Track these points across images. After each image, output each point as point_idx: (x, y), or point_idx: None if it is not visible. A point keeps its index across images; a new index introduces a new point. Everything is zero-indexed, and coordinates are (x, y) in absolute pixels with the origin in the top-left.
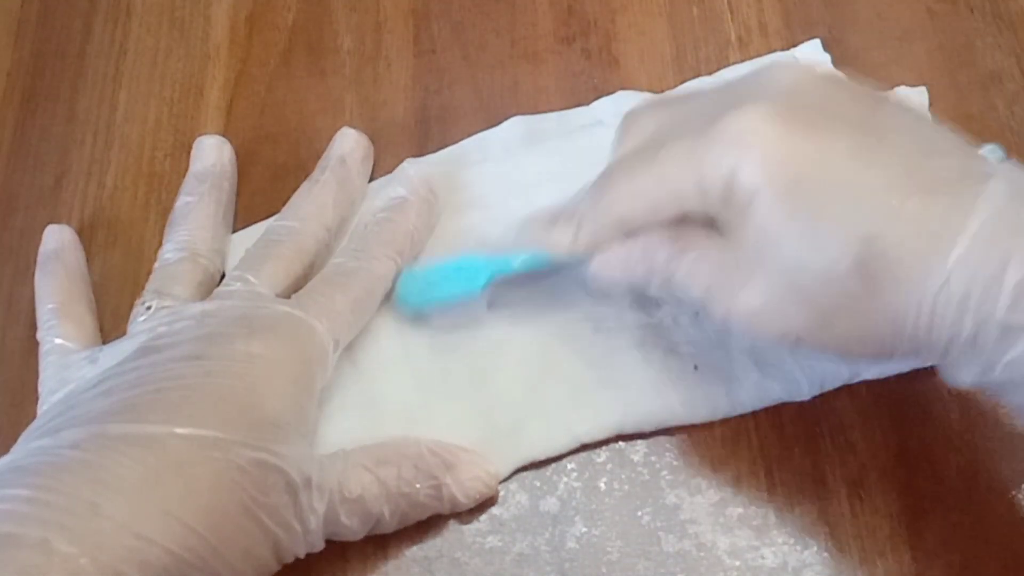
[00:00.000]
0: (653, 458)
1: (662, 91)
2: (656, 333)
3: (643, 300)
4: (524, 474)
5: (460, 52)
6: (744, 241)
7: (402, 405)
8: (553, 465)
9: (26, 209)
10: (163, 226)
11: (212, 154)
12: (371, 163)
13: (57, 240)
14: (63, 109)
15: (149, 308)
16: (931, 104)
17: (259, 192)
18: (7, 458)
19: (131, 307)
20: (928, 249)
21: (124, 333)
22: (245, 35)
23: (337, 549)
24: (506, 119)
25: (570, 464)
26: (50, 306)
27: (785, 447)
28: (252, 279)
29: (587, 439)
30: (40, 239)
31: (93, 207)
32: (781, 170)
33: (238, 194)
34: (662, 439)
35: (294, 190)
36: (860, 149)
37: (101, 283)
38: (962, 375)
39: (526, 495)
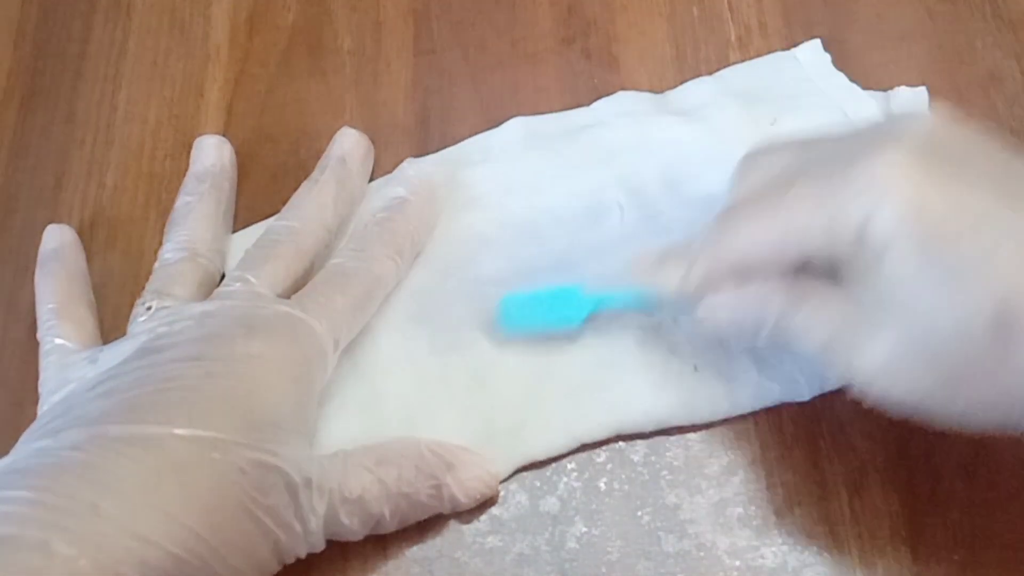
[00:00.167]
0: (653, 458)
1: (662, 91)
2: (656, 333)
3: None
4: (524, 474)
5: (460, 52)
6: (871, 292)
7: (402, 405)
8: (553, 465)
9: (26, 209)
10: (163, 226)
11: (212, 154)
12: (371, 163)
13: (57, 240)
14: (63, 109)
15: (149, 308)
16: (931, 104)
17: (259, 192)
18: (7, 459)
19: (131, 307)
20: None
21: (124, 333)
22: (245, 35)
23: (337, 549)
24: (506, 119)
25: (570, 464)
26: (50, 306)
27: (785, 447)
28: (252, 279)
29: (587, 439)
30: (40, 239)
31: (93, 207)
32: (919, 219)
33: (238, 194)
34: (662, 439)
35: (294, 190)
36: (999, 202)
37: (101, 283)
38: None
39: (526, 495)
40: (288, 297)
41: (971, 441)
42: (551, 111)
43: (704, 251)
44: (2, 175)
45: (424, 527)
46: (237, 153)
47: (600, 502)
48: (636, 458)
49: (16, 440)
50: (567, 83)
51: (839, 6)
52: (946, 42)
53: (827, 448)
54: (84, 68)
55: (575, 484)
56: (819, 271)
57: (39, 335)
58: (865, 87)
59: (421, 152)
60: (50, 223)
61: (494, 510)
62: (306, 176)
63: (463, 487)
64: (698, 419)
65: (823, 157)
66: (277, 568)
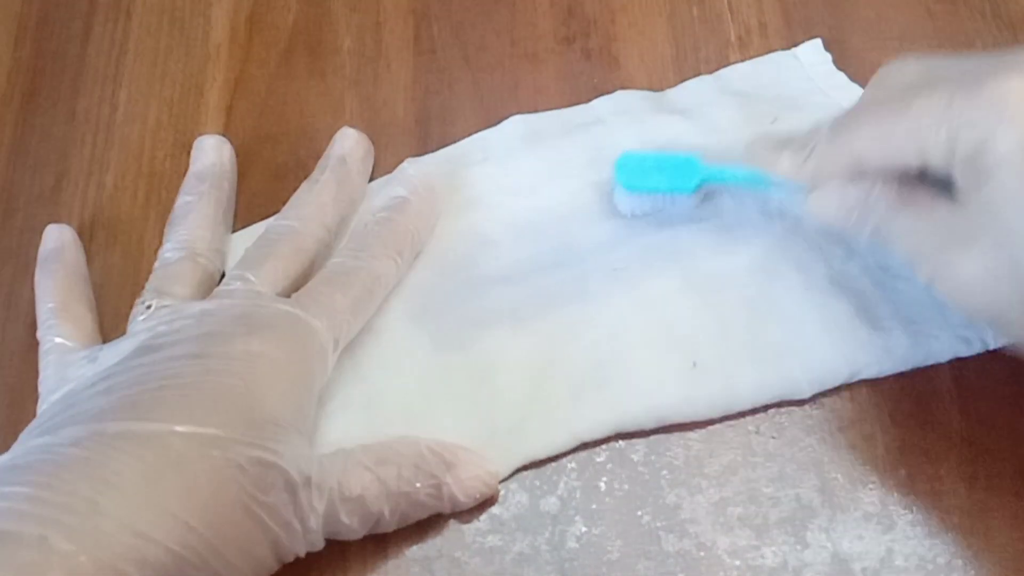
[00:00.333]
0: (653, 458)
1: (662, 91)
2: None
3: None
4: (524, 474)
5: (460, 52)
6: (976, 209)
7: (402, 404)
8: (553, 465)
9: (26, 209)
10: (163, 226)
11: (212, 154)
12: (371, 163)
13: (57, 240)
14: (63, 109)
15: (149, 307)
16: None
17: (259, 192)
18: (6, 456)
19: (131, 307)
20: None
21: (124, 332)
22: (245, 35)
23: (337, 549)
24: (506, 119)
25: (570, 464)
26: (50, 305)
27: (785, 447)
28: (252, 278)
29: (587, 438)
30: (40, 239)
31: (93, 207)
32: None
33: (238, 194)
34: (662, 438)
35: (294, 190)
36: None
37: (101, 283)
38: None
39: (526, 495)
40: (288, 296)
41: (971, 442)
42: (551, 110)
43: (824, 143)
44: (2, 175)
45: (424, 527)
46: (237, 153)
47: (600, 502)
48: (636, 458)
49: (16, 439)
50: (567, 83)
51: (839, 6)
52: (946, 42)
53: (827, 448)
54: (84, 68)
55: (575, 484)
56: (929, 182)
57: (39, 334)
58: (865, 87)
59: (421, 152)
60: (50, 223)
61: (494, 510)
62: (306, 176)
63: (463, 486)
64: (697, 415)
65: (952, 74)
66: (276, 566)
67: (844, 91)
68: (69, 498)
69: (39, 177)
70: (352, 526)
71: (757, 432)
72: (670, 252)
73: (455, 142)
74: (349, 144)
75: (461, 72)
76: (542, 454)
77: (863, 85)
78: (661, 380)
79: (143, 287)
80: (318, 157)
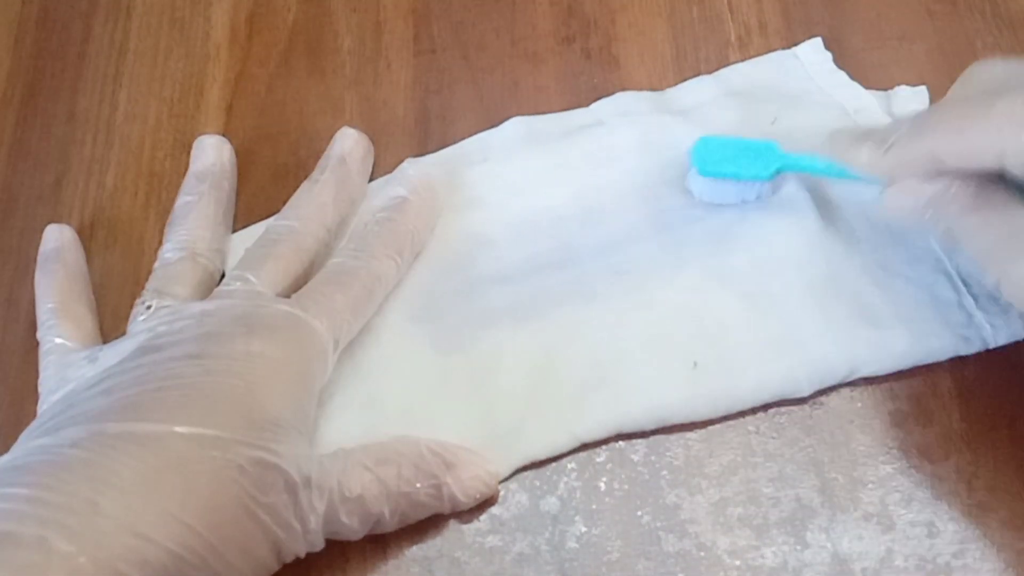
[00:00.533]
0: (653, 458)
1: (662, 91)
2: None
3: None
4: (524, 474)
5: (460, 52)
6: None
7: (402, 405)
8: (553, 465)
9: (26, 209)
10: (163, 226)
11: (212, 154)
12: (371, 163)
13: (57, 240)
14: (63, 109)
15: (149, 307)
16: (931, 104)
17: (259, 192)
18: (7, 457)
19: (131, 307)
20: None
21: (124, 333)
22: (245, 35)
23: (337, 549)
24: (506, 119)
25: (570, 464)
26: (50, 306)
27: (785, 447)
28: (252, 278)
29: (587, 439)
30: (40, 239)
31: (93, 207)
32: None
33: (238, 194)
34: (662, 439)
35: (294, 190)
36: None
37: (101, 283)
38: None
39: (526, 495)
40: (288, 296)
41: (971, 442)
42: (551, 111)
43: (905, 138)
44: (2, 175)
45: (424, 527)
46: (237, 153)
47: (600, 502)
48: (636, 458)
49: (16, 439)
50: (567, 83)
51: (839, 6)
52: (946, 42)
53: (827, 447)
54: (84, 68)
55: (575, 484)
56: (1008, 185)
57: (39, 334)
58: (865, 87)
59: (421, 152)
60: (50, 223)
61: (494, 510)
62: (306, 176)
63: (463, 486)
64: (697, 416)
65: None
66: (276, 567)
67: (844, 90)
68: (69, 499)
69: (39, 177)
70: (352, 526)
71: (757, 432)
72: (670, 252)
73: (455, 142)
74: (349, 144)
75: (461, 72)
76: (542, 454)
77: (863, 84)
78: (661, 380)
79: (143, 287)
80: (318, 157)
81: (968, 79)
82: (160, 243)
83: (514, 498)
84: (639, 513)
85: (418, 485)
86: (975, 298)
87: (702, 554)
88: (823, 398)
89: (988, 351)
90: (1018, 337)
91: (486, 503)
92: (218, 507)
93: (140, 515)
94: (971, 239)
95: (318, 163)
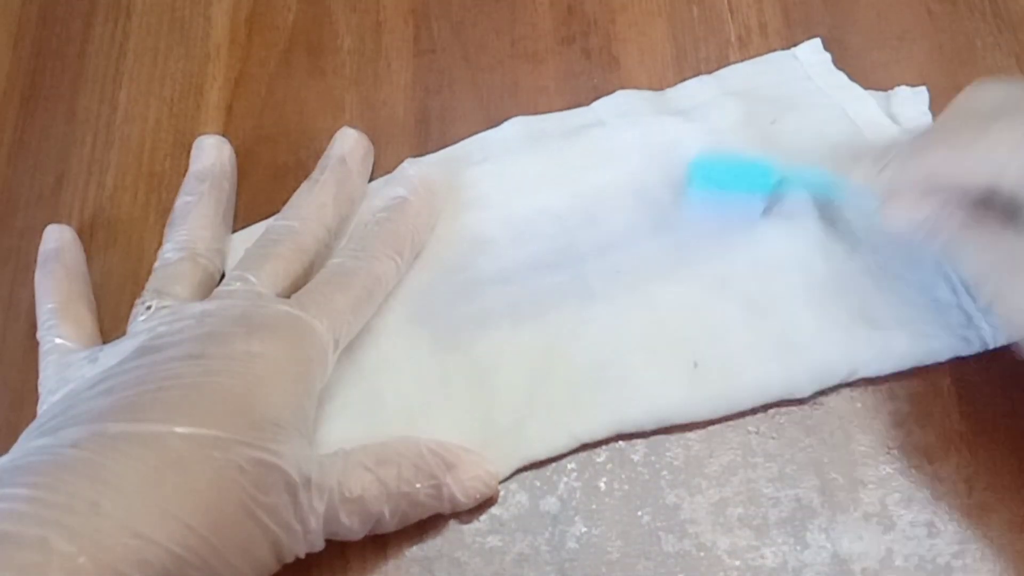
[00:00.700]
0: (653, 458)
1: (662, 91)
2: (658, 330)
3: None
4: (524, 474)
5: (460, 52)
6: None
7: (402, 405)
8: (553, 465)
9: (26, 209)
10: (163, 226)
11: (212, 154)
12: (371, 163)
13: (57, 240)
14: (63, 109)
15: (149, 308)
16: (931, 104)
17: (259, 192)
18: (7, 457)
19: (131, 307)
20: None
21: (124, 333)
22: (245, 35)
23: (337, 549)
24: (506, 119)
25: (570, 464)
26: (50, 306)
27: (785, 447)
28: (252, 279)
29: (587, 439)
30: (40, 239)
31: (93, 207)
32: None
33: (238, 194)
34: (662, 439)
35: (294, 190)
36: None
37: (101, 283)
38: None
39: (526, 495)
40: (288, 296)
41: (971, 442)
42: (551, 111)
43: (901, 157)
44: (2, 175)
45: (424, 527)
46: (237, 153)
47: (600, 502)
48: (636, 458)
49: (16, 439)
50: (567, 83)
51: (839, 6)
52: (946, 42)
53: (827, 447)
54: (84, 68)
55: (575, 484)
56: (999, 209)
57: (39, 335)
58: (865, 87)
59: (421, 152)
60: (50, 223)
61: (494, 510)
62: (306, 176)
63: (463, 487)
64: (698, 416)
65: None
66: (276, 567)
67: (844, 91)
68: (69, 499)
69: (39, 177)
70: (352, 527)
71: (757, 432)
72: (670, 252)
73: (455, 142)
74: (349, 144)
75: (461, 72)
76: (542, 455)
77: (863, 84)
78: (662, 381)
79: (143, 287)
80: (318, 157)
81: (966, 99)
82: (160, 243)
83: (514, 498)
84: (639, 513)
85: (418, 485)
86: (974, 299)
87: (702, 554)
88: (823, 398)
89: (988, 351)
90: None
91: (486, 503)
92: (218, 507)
93: (140, 515)
94: (965, 260)
95: (318, 163)
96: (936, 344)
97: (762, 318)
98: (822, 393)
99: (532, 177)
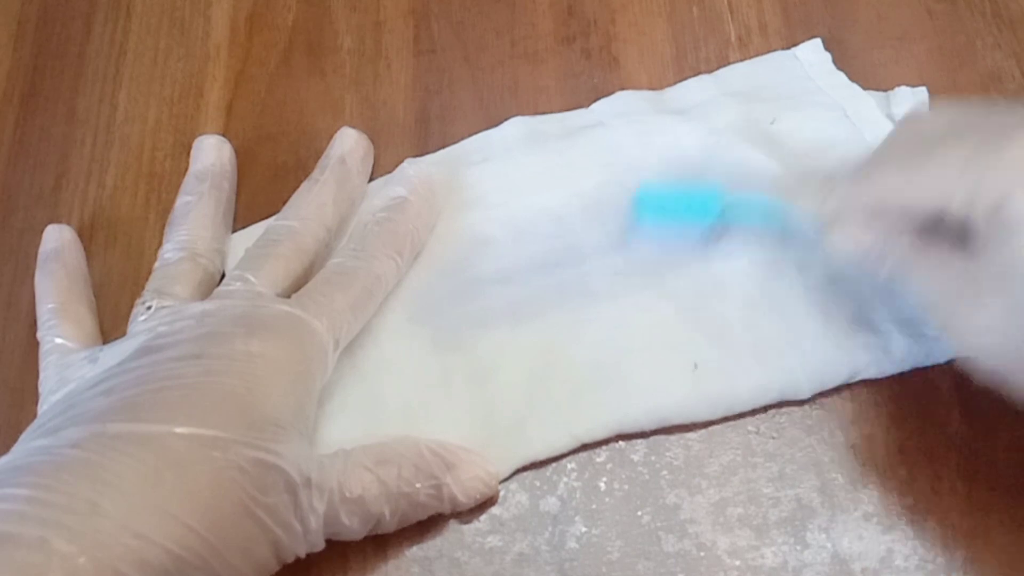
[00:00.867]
0: (653, 458)
1: (662, 91)
2: (659, 330)
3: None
4: (524, 474)
5: (460, 52)
6: (994, 263)
7: (402, 405)
8: (553, 465)
9: (26, 209)
10: (163, 226)
11: (212, 154)
12: (371, 163)
13: (57, 240)
14: (63, 109)
15: (149, 308)
16: (931, 104)
17: (259, 192)
18: (7, 457)
19: (131, 307)
20: None
21: (124, 333)
22: (245, 35)
23: (337, 549)
24: (506, 119)
25: (570, 464)
26: (50, 306)
27: (785, 447)
28: (252, 279)
29: (587, 439)
30: (40, 239)
31: (93, 207)
32: None
33: (238, 194)
34: (662, 439)
35: (294, 190)
36: None
37: (101, 283)
38: None
39: (526, 495)
40: (288, 296)
41: (971, 442)
42: (551, 111)
43: (847, 184)
44: (2, 175)
45: (424, 527)
46: (237, 153)
47: (600, 502)
48: (636, 458)
49: (16, 439)
50: (567, 83)
51: (839, 6)
52: (946, 42)
53: (827, 448)
54: (84, 68)
55: (575, 484)
56: (947, 233)
57: (39, 335)
58: (865, 87)
59: (421, 152)
60: (50, 223)
61: (494, 510)
62: (306, 176)
63: (463, 487)
64: (698, 417)
65: (978, 125)
66: (277, 567)
67: (844, 91)
68: (69, 499)
69: (39, 177)
70: (352, 527)
71: (757, 432)
72: (670, 253)
73: (455, 142)
74: (349, 144)
75: (461, 72)
76: (542, 455)
77: (863, 85)
78: (662, 382)
79: (143, 287)
80: (318, 157)
81: (908, 125)
82: (160, 243)
83: (514, 498)
84: (639, 513)
85: (418, 485)
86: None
87: (702, 554)
88: (823, 398)
89: None
90: None
91: (486, 503)
92: (218, 507)
93: (140, 515)
94: (919, 285)
95: (318, 163)
96: (936, 345)
97: (762, 319)
98: (822, 393)
99: (532, 177)
